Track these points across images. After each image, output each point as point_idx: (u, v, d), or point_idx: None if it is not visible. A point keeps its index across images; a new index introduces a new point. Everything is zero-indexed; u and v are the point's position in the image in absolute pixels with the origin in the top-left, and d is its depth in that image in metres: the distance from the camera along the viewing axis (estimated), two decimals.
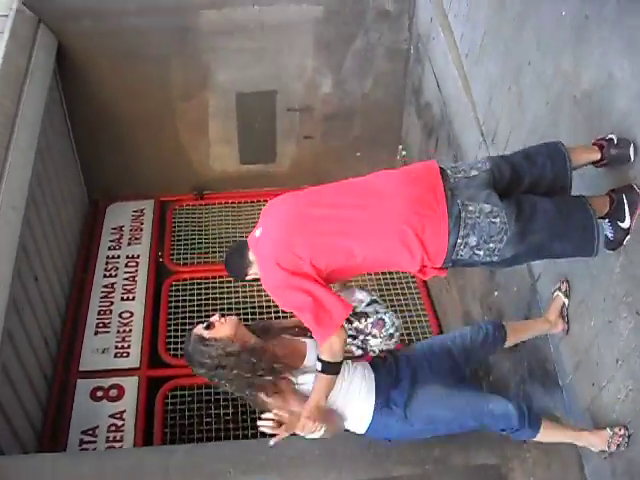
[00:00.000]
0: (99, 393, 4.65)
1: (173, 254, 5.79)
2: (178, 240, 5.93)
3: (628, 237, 2.64)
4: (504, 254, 2.51)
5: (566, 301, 3.16)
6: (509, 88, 3.92)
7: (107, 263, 5.59)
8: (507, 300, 4.05)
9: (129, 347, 4.96)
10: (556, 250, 2.66)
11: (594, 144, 2.70)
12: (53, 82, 5.15)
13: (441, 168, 2.56)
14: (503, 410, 2.74)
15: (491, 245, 2.47)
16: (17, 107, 4.43)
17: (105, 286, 5.40)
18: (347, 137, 6.33)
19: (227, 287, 5.50)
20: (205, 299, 5.41)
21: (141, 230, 5.93)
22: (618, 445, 2.74)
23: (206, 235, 6.02)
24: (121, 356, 4.91)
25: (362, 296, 2.78)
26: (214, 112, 5.96)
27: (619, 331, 2.77)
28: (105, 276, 5.48)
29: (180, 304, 5.35)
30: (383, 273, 5.69)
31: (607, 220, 2.68)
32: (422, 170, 2.60)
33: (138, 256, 5.67)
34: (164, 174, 6.20)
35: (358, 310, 2.71)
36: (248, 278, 2.74)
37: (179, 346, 5.03)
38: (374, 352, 2.77)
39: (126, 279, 5.46)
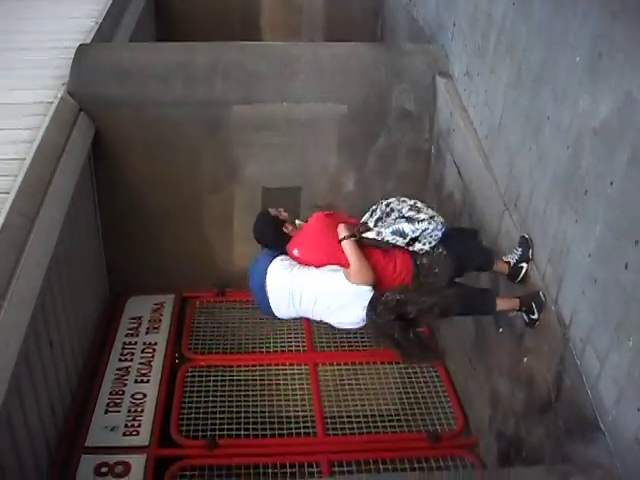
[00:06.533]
0: (103, 469, 4.37)
1: (191, 343, 5.67)
2: (197, 331, 5.83)
3: (538, 322, 3.73)
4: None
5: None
6: (529, 149, 4.01)
7: (123, 348, 5.48)
8: (538, 363, 3.86)
9: (139, 426, 4.72)
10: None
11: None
12: (87, 165, 5.34)
13: None
14: None
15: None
16: (51, 176, 4.55)
17: (119, 369, 5.25)
18: None
19: (244, 375, 5.35)
20: (221, 385, 5.22)
21: (160, 321, 5.86)
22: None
23: (225, 328, 5.92)
24: (130, 434, 4.66)
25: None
26: (240, 206, 6.08)
27: None
28: (120, 360, 5.35)
29: (195, 389, 5.16)
30: (406, 368, 5.50)
31: (523, 311, 3.83)
32: None
33: (155, 343, 5.56)
34: (187, 269, 6.20)
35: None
36: None
37: (192, 428, 4.80)
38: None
39: (141, 363, 5.32)
